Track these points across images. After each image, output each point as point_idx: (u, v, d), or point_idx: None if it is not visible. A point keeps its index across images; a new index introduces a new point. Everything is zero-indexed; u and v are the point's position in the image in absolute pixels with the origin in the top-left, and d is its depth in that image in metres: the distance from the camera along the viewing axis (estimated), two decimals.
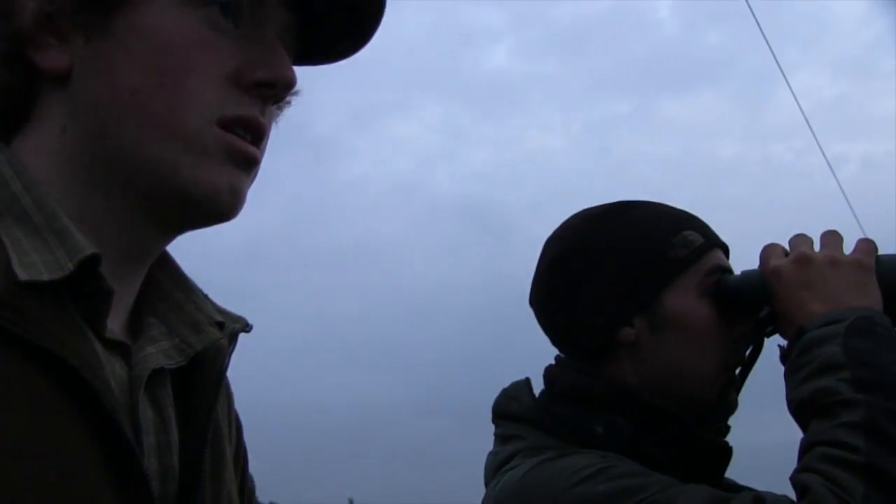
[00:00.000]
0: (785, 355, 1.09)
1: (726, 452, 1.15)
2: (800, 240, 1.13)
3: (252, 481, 0.91)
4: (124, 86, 0.66)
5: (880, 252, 1.12)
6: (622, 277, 1.16)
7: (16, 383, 0.56)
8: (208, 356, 0.74)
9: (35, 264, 0.61)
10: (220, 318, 0.76)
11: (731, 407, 1.18)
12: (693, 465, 1.09)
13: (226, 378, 0.83)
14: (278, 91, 0.71)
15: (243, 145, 0.69)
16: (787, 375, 1.07)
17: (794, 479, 0.97)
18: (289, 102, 0.77)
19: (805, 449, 0.99)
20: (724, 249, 1.22)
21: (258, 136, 0.70)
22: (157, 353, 0.71)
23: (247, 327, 0.78)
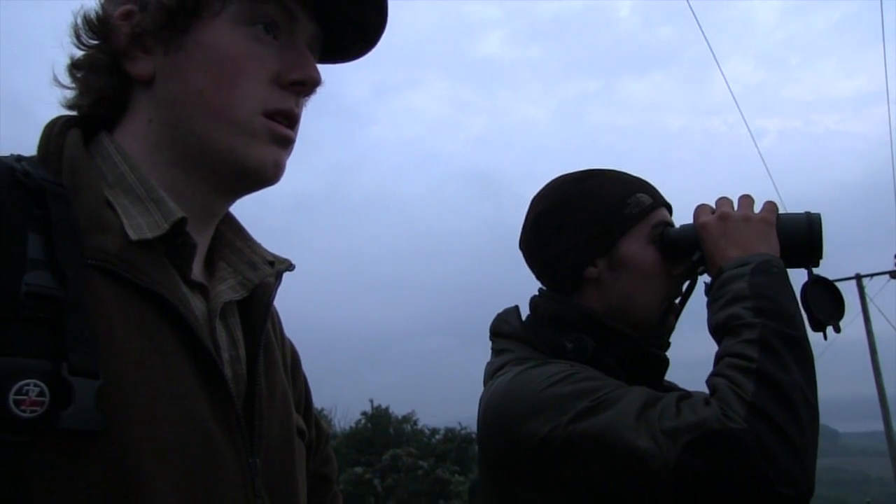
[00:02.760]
0: (708, 290, 1.27)
1: (665, 363, 1.34)
2: (723, 201, 1.33)
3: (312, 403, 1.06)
4: (193, 87, 0.78)
5: (781, 211, 1.32)
6: (589, 229, 1.34)
7: (134, 315, 0.69)
8: (259, 290, 0.88)
9: (140, 226, 0.74)
10: (271, 258, 0.90)
11: (669, 328, 1.36)
12: (640, 372, 1.27)
13: (274, 309, 0.99)
14: (308, 88, 0.84)
15: (283, 129, 0.82)
16: (708, 305, 1.26)
17: (708, 382, 1.15)
18: (314, 92, 0.90)
19: (717, 359, 1.17)
20: (669, 208, 1.41)
21: (293, 121, 0.84)
22: (226, 289, 0.84)
23: (290, 267, 0.92)
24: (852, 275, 19.80)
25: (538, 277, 1.44)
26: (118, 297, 0.69)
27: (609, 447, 1.08)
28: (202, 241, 0.86)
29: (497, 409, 1.23)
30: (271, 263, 0.90)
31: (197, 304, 0.80)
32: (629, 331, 1.31)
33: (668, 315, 1.35)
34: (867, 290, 19.74)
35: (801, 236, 1.28)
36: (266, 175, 0.82)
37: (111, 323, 0.67)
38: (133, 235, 0.72)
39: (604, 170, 1.42)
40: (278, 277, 0.91)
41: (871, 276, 19.87)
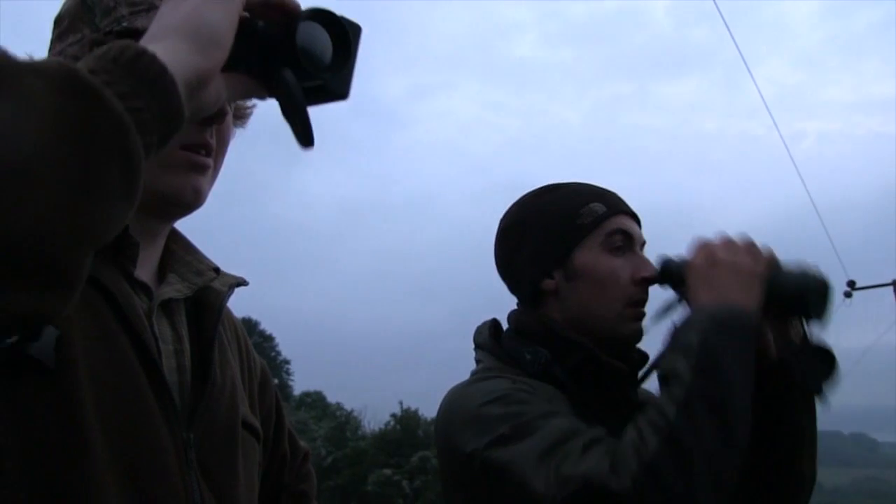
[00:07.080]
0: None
1: (624, 373, 1.31)
2: (724, 244, 1.26)
3: (272, 384, 1.17)
4: None
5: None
6: (543, 241, 1.36)
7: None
8: (210, 294, 0.98)
9: None
10: (215, 266, 1.01)
11: (632, 336, 1.33)
12: (596, 383, 1.28)
13: (231, 314, 1.12)
14: (217, 118, 0.92)
15: (199, 158, 0.92)
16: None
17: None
18: (249, 114, 1.01)
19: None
20: (633, 216, 1.39)
21: (209, 150, 0.93)
22: (170, 290, 0.94)
23: (242, 283, 1.04)
24: (889, 281, 19.37)
25: (510, 292, 1.46)
26: None
27: (510, 481, 1.09)
28: (148, 256, 0.94)
29: (440, 421, 1.28)
30: (216, 270, 1.00)
31: (138, 300, 0.87)
32: (583, 340, 1.30)
33: (625, 321, 1.32)
34: None
35: (792, 298, 1.22)
36: (186, 200, 0.92)
37: None
38: None
39: (564, 183, 1.44)
40: (230, 289, 1.01)
41: None
